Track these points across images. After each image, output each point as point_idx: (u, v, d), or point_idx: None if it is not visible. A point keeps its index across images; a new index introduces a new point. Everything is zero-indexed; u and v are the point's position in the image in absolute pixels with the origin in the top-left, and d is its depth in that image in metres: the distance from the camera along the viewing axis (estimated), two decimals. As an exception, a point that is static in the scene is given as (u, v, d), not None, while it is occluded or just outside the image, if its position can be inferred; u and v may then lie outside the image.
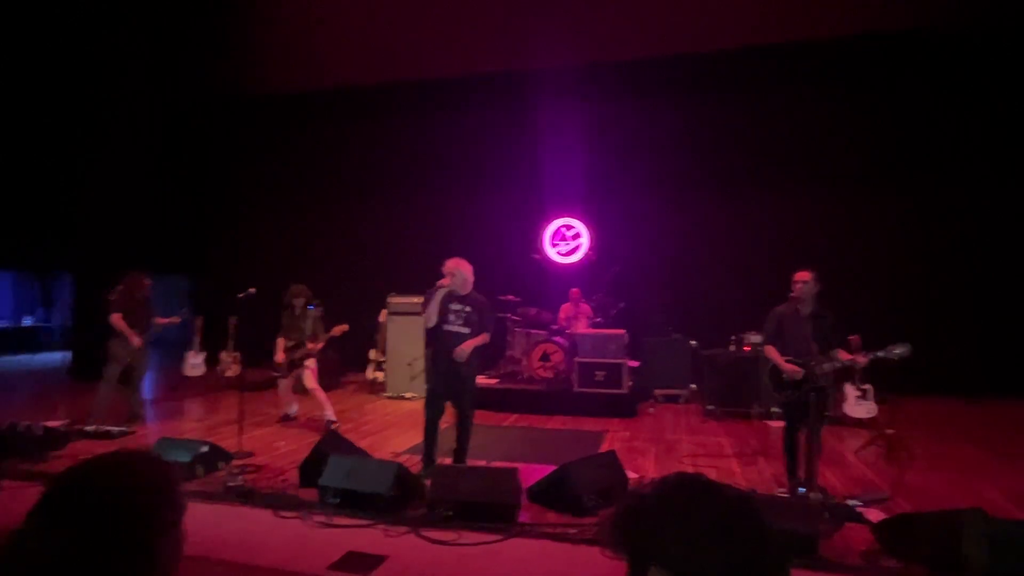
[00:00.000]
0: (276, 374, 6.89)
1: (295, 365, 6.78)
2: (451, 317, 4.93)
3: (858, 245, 9.10)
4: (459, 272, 4.93)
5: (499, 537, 3.71)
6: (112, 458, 1.02)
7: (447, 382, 4.96)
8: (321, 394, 6.68)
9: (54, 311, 15.69)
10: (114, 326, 6.64)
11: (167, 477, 1.02)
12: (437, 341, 4.96)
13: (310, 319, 6.80)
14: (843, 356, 4.45)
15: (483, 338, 4.99)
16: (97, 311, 8.06)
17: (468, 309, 4.95)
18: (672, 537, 0.85)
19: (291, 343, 6.79)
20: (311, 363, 6.76)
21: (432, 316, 4.93)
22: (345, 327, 6.70)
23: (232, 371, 8.94)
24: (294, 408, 7.10)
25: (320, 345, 6.79)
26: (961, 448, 6.02)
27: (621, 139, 10.10)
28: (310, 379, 6.71)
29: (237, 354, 9.00)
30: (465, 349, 4.88)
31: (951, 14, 8.10)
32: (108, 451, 1.06)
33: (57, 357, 11.56)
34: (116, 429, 6.16)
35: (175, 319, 7.22)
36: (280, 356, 6.75)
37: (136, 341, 6.69)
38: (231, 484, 4.47)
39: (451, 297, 4.95)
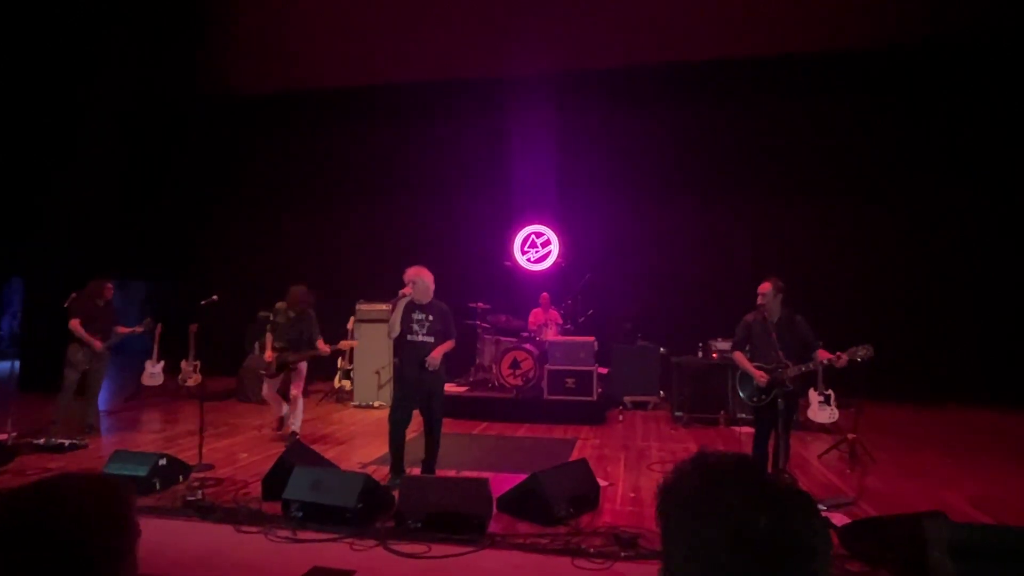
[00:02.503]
0: (263, 372, 6.59)
1: (285, 367, 6.42)
2: (415, 327, 4.94)
3: (822, 252, 9.31)
4: (420, 280, 4.94)
5: (470, 549, 3.65)
6: (59, 481, 0.94)
7: (415, 391, 4.95)
8: (300, 404, 6.44)
9: (3, 318, 15.01)
10: (73, 332, 6.48)
11: (119, 501, 0.95)
12: (403, 351, 4.97)
13: (306, 323, 6.46)
14: (823, 356, 4.53)
15: (449, 344, 5.04)
16: (49, 317, 7.76)
17: (431, 318, 4.97)
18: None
19: (281, 344, 6.40)
20: (303, 367, 6.48)
21: (395, 327, 4.93)
22: (355, 343, 6.75)
23: (193, 380, 8.66)
24: (285, 408, 6.66)
25: (321, 352, 6.47)
26: (923, 453, 6.18)
27: (592, 147, 10.17)
28: (296, 385, 6.42)
29: (198, 363, 8.73)
30: (436, 357, 4.90)
31: (936, 23, 8.35)
32: (55, 473, 0.99)
33: (5, 366, 11.05)
34: (68, 442, 5.90)
35: (137, 329, 7.03)
36: (269, 354, 6.36)
37: (97, 345, 6.54)
38: (190, 498, 4.32)
39: (412, 307, 4.95)
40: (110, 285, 6.82)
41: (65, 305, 6.83)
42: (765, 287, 4.69)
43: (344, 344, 6.94)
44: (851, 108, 9.35)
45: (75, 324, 6.49)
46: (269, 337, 6.44)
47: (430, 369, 4.89)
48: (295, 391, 6.43)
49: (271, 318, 6.51)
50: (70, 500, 0.91)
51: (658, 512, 0.84)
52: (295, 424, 6.40)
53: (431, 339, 4.94)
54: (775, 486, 0.79)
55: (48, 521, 0.88)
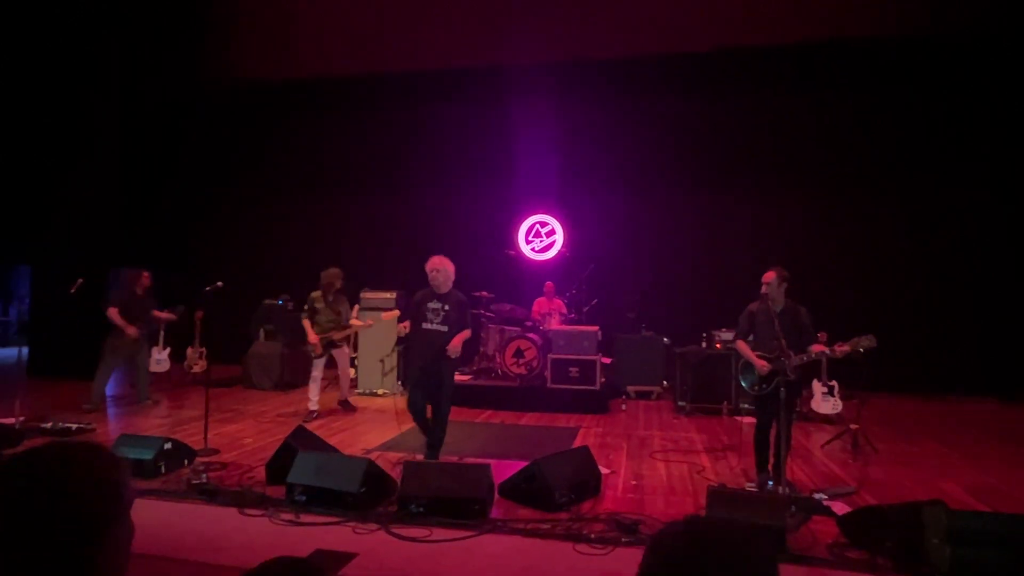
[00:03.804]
0: (314, 355, 6.96)
1: (332, 346, 6.98)
2: (429, 315, 4.98)
3: (827, 243, 9.27)
4: (443, 269, 5.02)
5: (471, 533, 3.68)
6: (50, 449, 0.96)
7: (425, 378, 5.02)
8: (348, 374, 7.31)
9: (11, 305, 15.14)
10: (111, 320, 6.95)
11: (111, 468, 0.96)
12: (416, 339, 5.05)
13: (343, 303, 7.09)
14: (819, 348, 4.53)
15: (466, 334, 5.06)
16: (56, 305, 7.86)
17: (446, 307, 4.99)
18: None
19: (330, 325, 6.96)
20: (347, 345, 7.17)
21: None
22: (396, 312, 6.96)
23: (198, 367, 8.72)
24: (315, 399, 7.07)
25: (360, 326, 7.22)
26: (924, 444, 6.18)
27: (597, 137, 10.12)
28: (345, 360, 7.22)
29: (203, 349, 8.78)
30: (456, 346, 4.94)
31: (933, 18, 8.26)
32: (45, 442, 1.00)
33: (13, 352, 11.14)
34: (75, 425, 5.97)
35: (172, 316, 7.55)
36: (314, 337, 6.84)
37: (132, 332, 7.02)
38: (195, 482, 4.36)
39: (430, 295, 5.01)
40: (147, 273, 7.33)
41: (71, 291, 6.91)
42: (769, 276, 4.68)
43: (386, 315, 7.14)
44: (856, 101, 9.27)
45: (113, 312, 6.96)
46: (307, 323, 6.92)
47: (452, 357, 4.94)
48: (346, 366, 7.24)
49: (305, 307, 7.01)
50: (61, 466, 0.92)
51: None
52: (346, 391, 7.30)
53: (445, 328, 4.96)
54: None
55: (39, 487, 0.89)
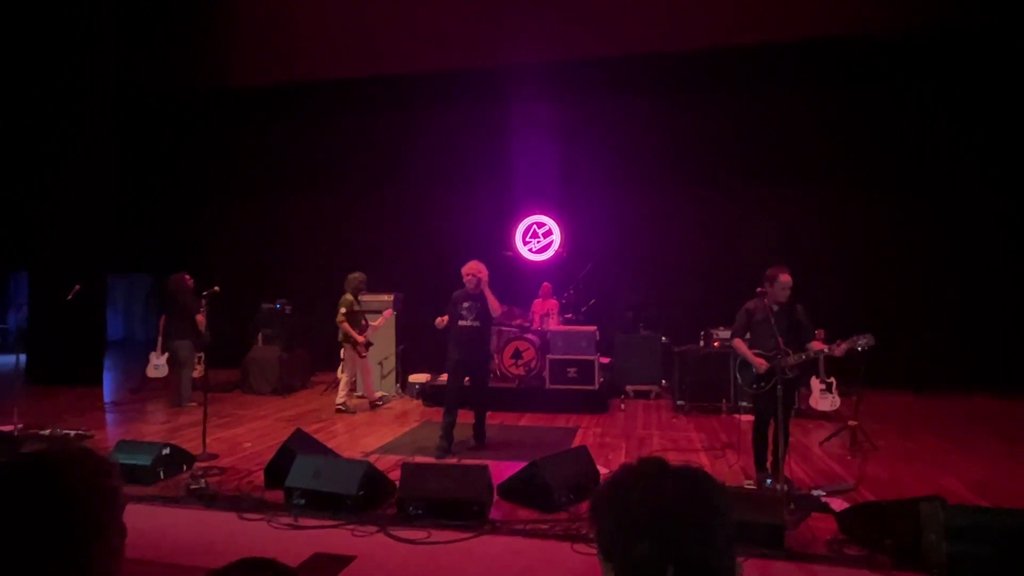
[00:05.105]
0: (364, 355, 7.54)
1: (369, 344, 7.55)
2: (464, 313, 5.67)
3: (823, 242, 9.26)
4: (476, 273, 5.72)
5: (470, 535, 3.68)
6: (39, 455, 0.95)
7: (461, 372, 5.67)
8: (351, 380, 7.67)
9: (10, 312, 15.10)
10: (197, 325, 7.40)
11: (101, 473, 0.96)
12: (453, 336, 5.69)
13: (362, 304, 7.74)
14: (818, 346, 4.52)
15: (496, 306, 5.71)
16: (54, 311, 7.83)
17: (478, 305, 5.67)
18: (609, 527, 0.91)
19: (365, 324, 7.56)
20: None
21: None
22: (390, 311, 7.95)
23: (197, 372, 8.70)
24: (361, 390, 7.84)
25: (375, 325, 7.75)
26: (922, 440, 6.18)
27: (593, 137, 10.12)
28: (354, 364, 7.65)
29: (202, 354, 8.76)
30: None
31: (934, 15, 8.26)
32: (36, 448, 1.00)
33: (11, 359, 11.12)
34: (74, 432, 5.97)
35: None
36: (362, 337, 7.44)
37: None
38: (194, 487, 4.36)
39: (465, 296, 5.70)
40: (190, 278, 7.73)
41: (68, 298, 6.90)
42: (788, 278, 4.61)
43: (388, 312, 7.97)
44: (856, 100, 9.27)
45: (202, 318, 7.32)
46: (347, 327, 7.38)
47: (485, 348, 5.81)
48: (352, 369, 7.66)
49: (344, 310, 7.36)
50: (51, 472, 0.92)
51: (591, 507, 0.97)
52: (345, 394, 7.60)
53: (478, 323, 5.65)
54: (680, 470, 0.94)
55: (29, 494, 0.89)
